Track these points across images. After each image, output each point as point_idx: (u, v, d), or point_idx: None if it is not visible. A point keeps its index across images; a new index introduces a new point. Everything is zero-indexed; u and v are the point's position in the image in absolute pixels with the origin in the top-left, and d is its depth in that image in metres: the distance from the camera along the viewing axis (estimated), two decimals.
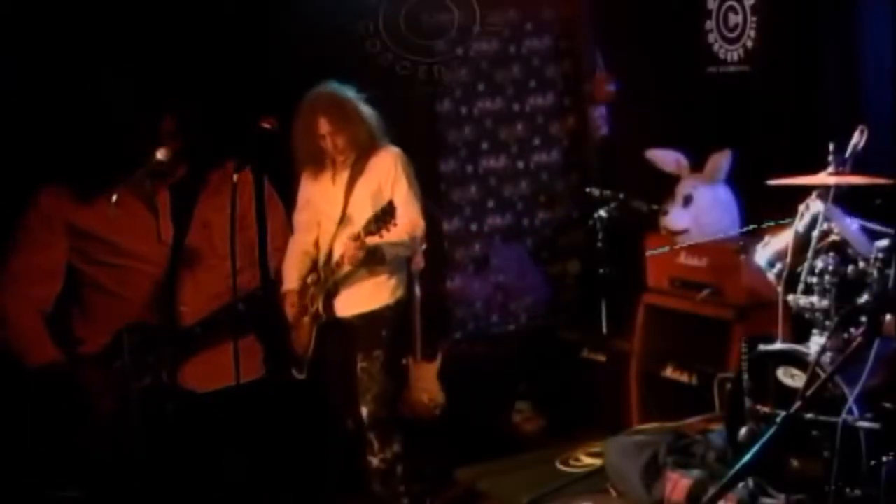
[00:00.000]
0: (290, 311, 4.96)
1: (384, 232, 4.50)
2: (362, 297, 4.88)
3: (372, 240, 4.58)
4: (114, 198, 4.42)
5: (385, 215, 4.47)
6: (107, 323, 4.66)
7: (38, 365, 4.64)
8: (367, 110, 4.84)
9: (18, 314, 4.66)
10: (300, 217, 5.03)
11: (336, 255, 4.79)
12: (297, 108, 4.81)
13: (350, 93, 4.83)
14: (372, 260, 4.71)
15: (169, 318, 4.69)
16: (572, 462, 5.51)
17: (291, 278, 4.98)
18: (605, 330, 6.03)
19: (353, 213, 4.80)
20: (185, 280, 4.71)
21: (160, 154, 4.56)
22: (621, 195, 5.86)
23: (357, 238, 4.57)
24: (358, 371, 4.88)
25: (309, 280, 4.94)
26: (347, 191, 4.85)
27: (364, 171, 4.83)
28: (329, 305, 4.89)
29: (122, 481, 4.60)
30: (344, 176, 4.87)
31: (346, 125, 4.77)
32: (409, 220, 4.72)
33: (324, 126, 4.75)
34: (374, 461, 4.92)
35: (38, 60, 5.01)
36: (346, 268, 4.73)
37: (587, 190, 6.09)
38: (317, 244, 4.98)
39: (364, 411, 4.87)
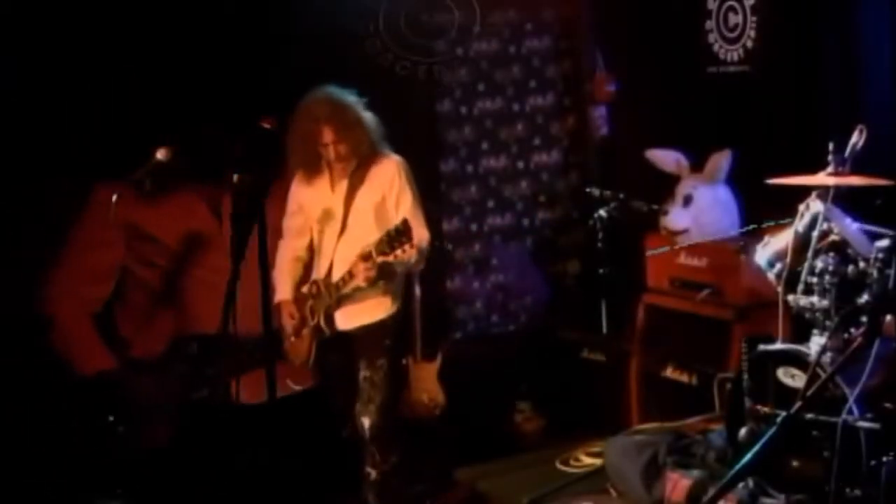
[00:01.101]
0: (288, 322, 4.85)
1: (398, 252, 4.38)
2: (365, 310, 4.77)
3: (383, 259, 4.46)
4: (114, 198, 4.43)
5: (400, 236, 4.36)
6: (157, 328, 4.62)
7: (93, 373, 4.61)
8: (368, 116, 4.72)
9: (72, 319, 4.60)
10: (292, 222, 4.90)
11: (338, 269, 4.67)
12: (295, 110, 4.69)
13: (351, 98, 4.71)
14: (384, 277, 4.61)
15: (226, 328, 4.61)
16: (572, 462, 5.51)
17: (285, 287, 4.88)
18: (605, 330, 6.03)
19: (353, 223, 4.70)
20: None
21: (160, 154, 4.57)
22: (621, 195, 5.86)
23: (368, 258, 4.45)
24: (360, 380, 4.78)
25: (306, 291, 4.82)
26: (348, 200, 4.73)
27: (365, 180, 4.72)
28: (330, 319, 4.78)
29: (165, 488, 4.63)
30: (343, 184, 4.75)
31: (349, 133, 4.64)
32: (417, 235, 4.53)
33: (327, 135, 4.62)
34: (373, 473, 4.82)
35: (53, 61, 5.00)
36: (354, 284, 4.59)
37: (587, 190, 6.09)
38: (309, 249, 4.89)
39: (366, 422, 4.77)
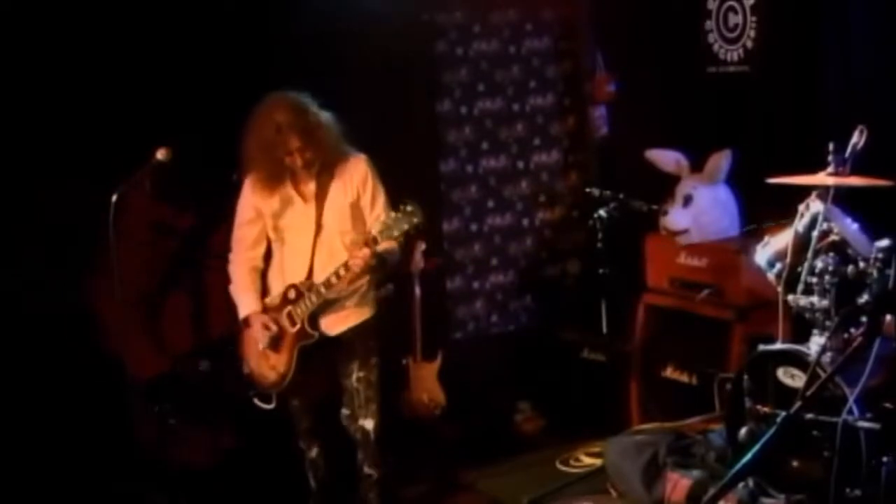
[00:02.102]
0: (264, 333, 4.64)
1: (402, 234, 4.33)
2: (350, 313, 4.68)
3: (386, 245, 4.42)
4: (114, 198, 4.43)
5: (411, 217, 4.31)
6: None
7: (149, 375, 4.63)
8: (327, 116, 4.58)
9: (121, 321, 4.61)
10: (246, 232, 4.71)
11: (321, 270, 4.56)
12: (252, 117, 4.53)
13: (309, 101, 4.56)
14: (377, 268, 4.54)
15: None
16: (572, 462, 5.51)
17: (250, 299, 4.70)
18: (605, 330, 6.03)
19: (329, 224, 4.59)
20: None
21: (160, 154, 4.57)
22: (621, 195, 5.86)
23: (374, 243, 4.36)
24: (353, 383, 4.71)
25: (279, 297, 4.65)
26: (319, 201, 4.60)
27: (335, 180, 4.60)
28: (315, 323, 4.63)
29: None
30: (311, 186, 4.61)
31: (313, 138, 4.49)
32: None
33: (293, 142, 4.46)
34: (375, 474, 4.81)
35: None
36: (349, 276, 4.47)
37: (587, 190, 6.09)
38: (264, 258, 4.73)
39: (369, 423, 4.72)
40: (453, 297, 6.59)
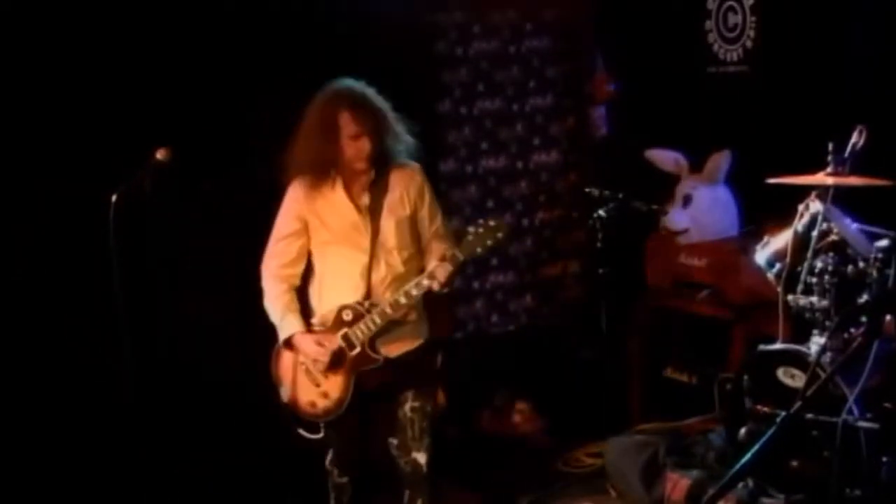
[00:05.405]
0: (320, 354, 4.23)
1: (487, 248, 4.08)
2: (409, 333, 4.32)
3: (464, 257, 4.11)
4: (113, 198, 4.42)
5: (495, 232, 4.07)
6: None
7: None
8: (393, 115, 4.27)
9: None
10: (288, 245, 4.33)
11: (381, 290, 4.22)
12: (312, 101, 4.25)
13: (372, 89, 4.25)
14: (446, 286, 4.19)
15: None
16: (572, 462, 5.52)
17: (294, 319, 4.29)
18: (605, 330, 6.03)
19: (385, 239, 4.24)
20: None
21: (160, 154, 4.56)
22: (621, 195, 5.86)
23: (454, 259, 4.09)
24: (407, 412, 4.31)
25: (333, 318, 4.25)
26: (373, 215, 4.25)
27: (389, 192, 4.26)
28: (374, 346, 4.25)
29: None
30: (364, 199, 4.25)
31: (376, 126, 4.18)
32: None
33: (355, 126, 4.13)
34: None
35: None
36: (417, 298, 4.19)
37: (587, 190, 6.08)
38: (301, 276, 4.37)
39: (422, 458, 4.33)
40: (453, 297, 6.59)
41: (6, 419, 4.92)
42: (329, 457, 4.48)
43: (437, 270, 4.12)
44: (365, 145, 4.17)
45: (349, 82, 4.25)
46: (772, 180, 4.35)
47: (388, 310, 4.18)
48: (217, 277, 5.29)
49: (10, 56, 4.89)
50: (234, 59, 5.29)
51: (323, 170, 4.23)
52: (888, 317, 3.90)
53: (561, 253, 6.88)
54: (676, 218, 5.63)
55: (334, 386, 4.28)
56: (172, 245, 5.25)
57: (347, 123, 4.14)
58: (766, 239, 4.53)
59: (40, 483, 4.91)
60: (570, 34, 6.76)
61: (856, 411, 3.94)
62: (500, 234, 4.10)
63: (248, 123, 5.26)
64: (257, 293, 4.39)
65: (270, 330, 4.37)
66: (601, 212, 5.86)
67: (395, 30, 5.81)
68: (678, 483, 4.65)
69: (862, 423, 3.95)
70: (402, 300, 4.18)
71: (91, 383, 5.00)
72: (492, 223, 4.10)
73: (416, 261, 4.33)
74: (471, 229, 4.13)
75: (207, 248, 5.28)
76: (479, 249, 4.10)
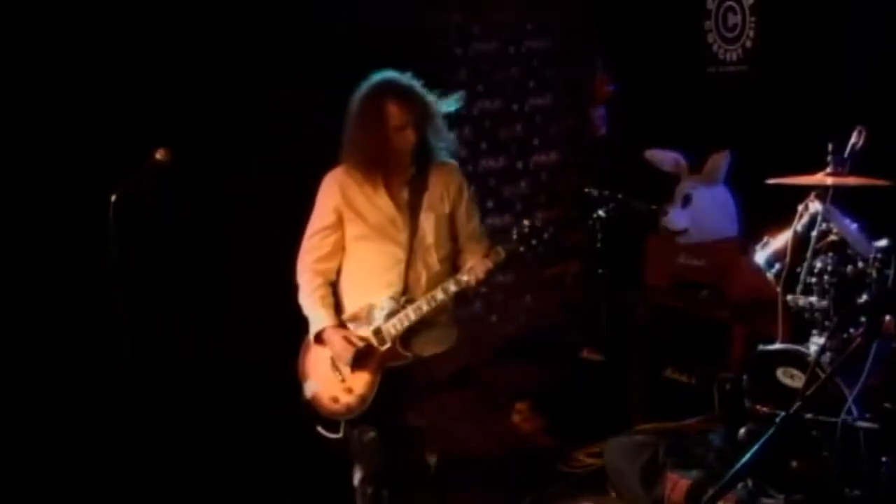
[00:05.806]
0: (347, 348, 4.17)
1: (528, 249, 4.10)
2: (442, 332, 4.33)
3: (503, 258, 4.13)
4: (113, 198, 4.42)
5: (541, 233, 4.12)
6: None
7: None
8: (437, 110, 4.26)
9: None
10: (323, 240, 4.30)
11: (418, 286, 4.21)
12: (361, 90, 4.24)
13: (418, 83, 4.25)
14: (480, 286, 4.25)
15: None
16: (572, 462, 5.51)
17: (326, 313, 4.25)
18: (605, 330, 6.03)
19: (424, 235, 4.24)
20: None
21: (160, 154, 4.56)
22: (620, 195, 5.86)
23: (495, 256, 4.12)
24: (423, 415, 4.31)
25: (378, 312, 4.23)
26: (412, 212, 4.24)
27: (428, 189, 4.26)
28: (406, 342, 4.24)
29: None
30: (403, 194, 4.25)
31: (421, 116, 4.16)
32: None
33: (396, 117, 4.12)
34: None
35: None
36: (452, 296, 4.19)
37: (587, 190, 6.08)
38: (336, 271, 4.34)
39: (432, 459, 4.37)
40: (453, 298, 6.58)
41: (6, 419, 4.92)
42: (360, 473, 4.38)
43: (478, 267, 4.15)
44: (410, 136, 4.17)
45: (395, 74, 4.25)
46: (771, 180, 4.35)
47: (425, 306, 4.19)
48: (217, 277, 5.29)
49: (11, 56, 4.89)
50: (234, 59, 5.29)
51: (368, 161, 4.22)
52: (887, 317, 3.91)
53: (561, 253, 6.88)
54: (676, 218, 5.64)
55: (360, 382, 4.25)
56: (172, 245, 5.24)
57: (394, 114, 4.14)
58: (765, 239, 4.53)
59: (40, 483, 4.91)
60: (570, 34, 6.76)
61: (855, 411, 3.94)
62: (545, 235, 4.14)
63: (248, 123, 5.27)
64: (257, 293, 4.40)
65: (271, 329, 4.38)
66: (601, 212, 5.86)
67: (394, 30, 5.80)
68: (678, 483, 4.65)
69: (861, 423, 3.95)
70: (440, 296, 4.18)
71: (91, 383, 4.99)
72: (538, 223, 4.15)
73: (450, 260, 4.34)
74: (518, 231, 4.15)
75: (207, 248, 5.28)
76: (521, 248, 4.13)
